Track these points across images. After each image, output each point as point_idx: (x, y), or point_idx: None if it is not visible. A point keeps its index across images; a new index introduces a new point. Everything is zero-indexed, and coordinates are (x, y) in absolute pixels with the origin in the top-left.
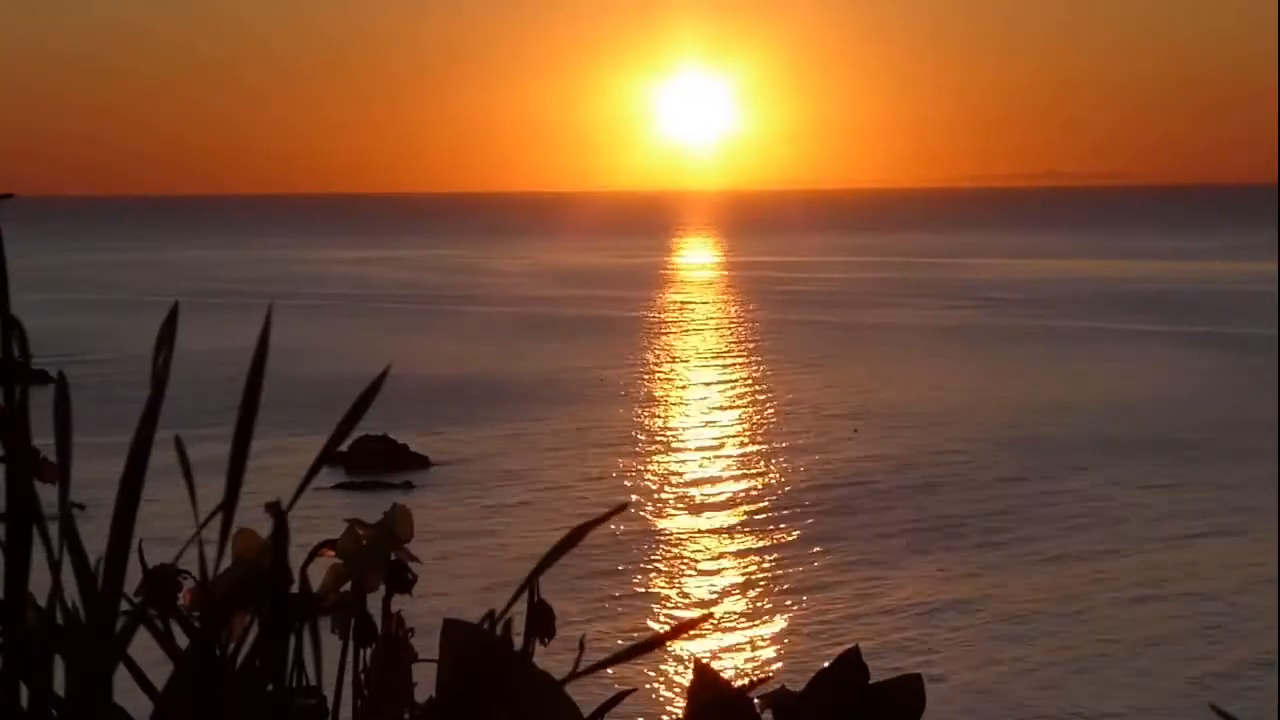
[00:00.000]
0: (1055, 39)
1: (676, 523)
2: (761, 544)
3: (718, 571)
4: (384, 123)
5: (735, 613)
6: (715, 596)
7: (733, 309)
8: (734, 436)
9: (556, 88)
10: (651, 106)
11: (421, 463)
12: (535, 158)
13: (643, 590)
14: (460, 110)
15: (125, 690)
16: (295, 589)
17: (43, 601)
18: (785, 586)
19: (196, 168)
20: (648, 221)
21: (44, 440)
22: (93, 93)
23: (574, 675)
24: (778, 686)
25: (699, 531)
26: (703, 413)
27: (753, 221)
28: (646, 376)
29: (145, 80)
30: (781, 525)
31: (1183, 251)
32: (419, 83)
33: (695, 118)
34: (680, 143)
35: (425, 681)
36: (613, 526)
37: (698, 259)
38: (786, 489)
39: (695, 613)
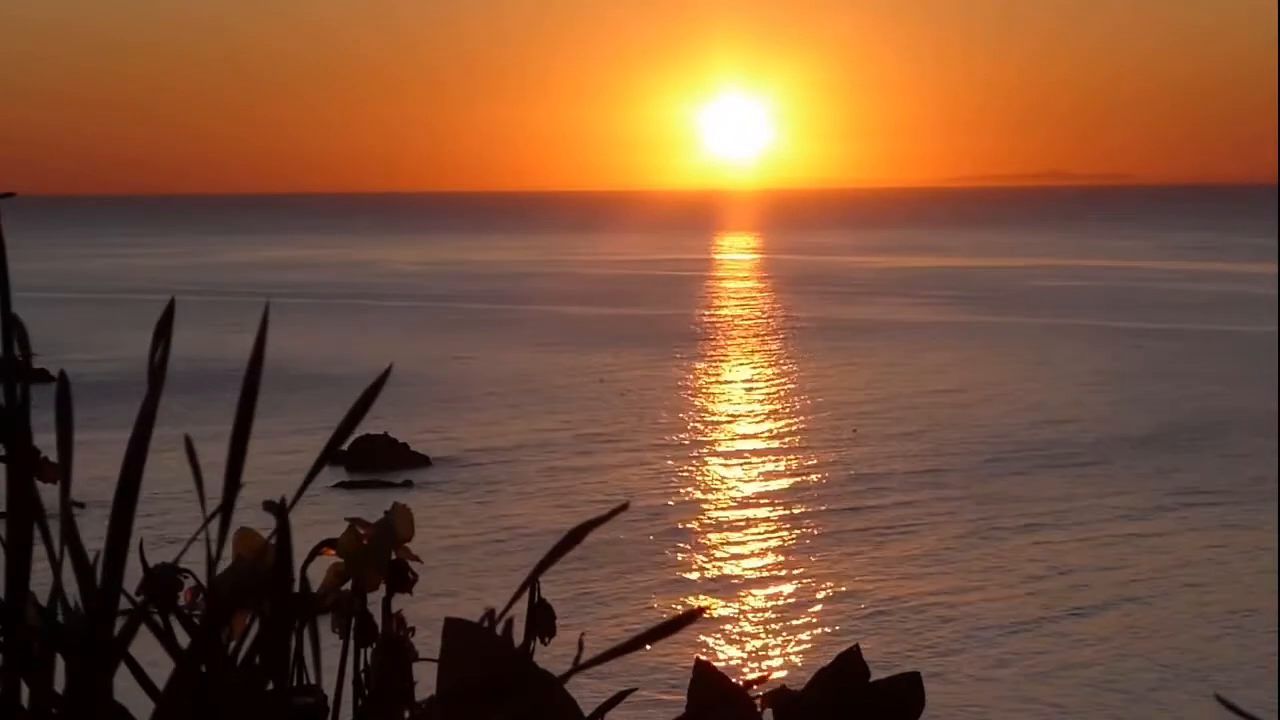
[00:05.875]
0: (1061, 44)
1: (674, 522)
2: (760, 542)
3: (716, 569)
4: (458, 130)
5: (735, 610)
6: (714, 594)
7: (737, 308)
8: (735, 436)
9: (609, 112)
10: (696, 127)
11: (422, 461)
12: (586, 166)
13: (641, 589)
14: (524, 124)
15: (125, 690)
16: (295, 588)
17: (44, 600)
18: (784, 585)
19: (247, 167)
20: (677, 220)
21: (44, 437)
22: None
23: (574, 671)
24: (778, 685)
25: (696, 530)
26: (703, 413)
27: (771, 219)
28: (646, 376)
29: (161, 81)
30: (781, 523)
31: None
32: (487, 97)
33: (735, 135)
34: (721, 157)
35: (425, 681)
36: (613, 525)
37: (708, 257)
38: (786, 487)
39: (692, 608)
